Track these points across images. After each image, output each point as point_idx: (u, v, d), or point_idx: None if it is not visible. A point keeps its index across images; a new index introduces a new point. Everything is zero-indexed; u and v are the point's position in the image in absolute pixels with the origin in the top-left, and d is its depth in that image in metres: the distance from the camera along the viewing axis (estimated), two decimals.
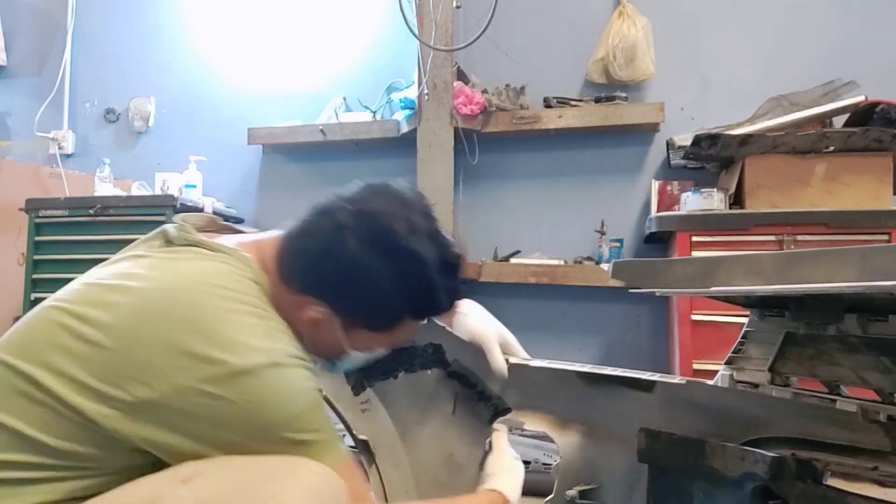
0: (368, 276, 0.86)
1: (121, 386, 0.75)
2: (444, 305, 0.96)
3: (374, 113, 3.07)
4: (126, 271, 0.85)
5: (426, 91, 2.73)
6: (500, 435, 1.13)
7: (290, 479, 0.75)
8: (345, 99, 3.14)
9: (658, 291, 0.90)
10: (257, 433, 0.78)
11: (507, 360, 1.17)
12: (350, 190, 0.92)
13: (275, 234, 0.96)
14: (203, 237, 0.91)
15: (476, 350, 1.18)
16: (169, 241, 0.90)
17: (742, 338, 1.02)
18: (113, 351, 0.76)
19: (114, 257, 0.94)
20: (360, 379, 1.25)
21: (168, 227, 0.92)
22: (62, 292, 0.86)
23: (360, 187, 0.92)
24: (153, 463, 0.78)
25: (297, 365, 0.82)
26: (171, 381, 0.75)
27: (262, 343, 0.79)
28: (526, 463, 1.16)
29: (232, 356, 0.76)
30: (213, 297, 0.80)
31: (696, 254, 2.20)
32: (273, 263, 0.90)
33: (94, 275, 0.89)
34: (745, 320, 1.04)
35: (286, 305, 0.89)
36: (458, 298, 0.99)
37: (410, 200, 0.91)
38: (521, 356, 1.21)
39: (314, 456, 0.79)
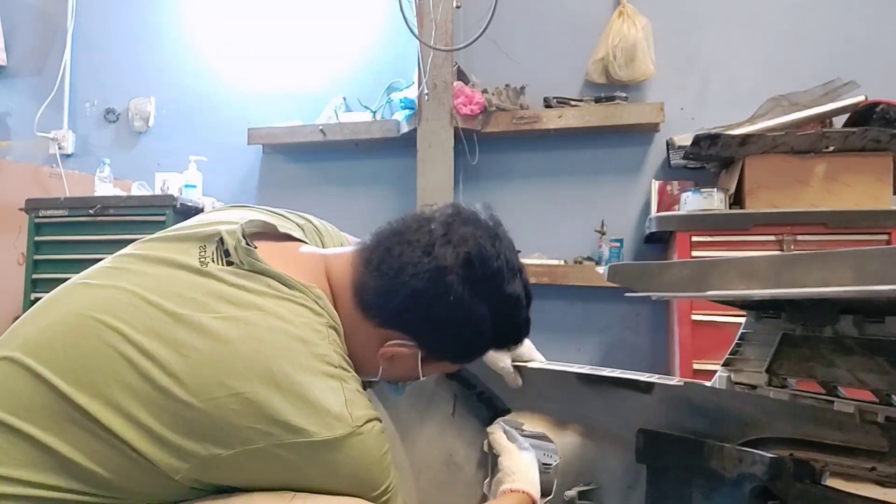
0: (471, 319, 0.85)
1: (195, 441, 0.72)
2: (524, 336, 0.98)
3: (374, 113, 3.07)
4: (191, 296, 0.78)
5: (426, 91, 2.73)
6: (497, 436, 1.12)
7: None
8: (345, 99, 3.14)
9: (654, 295, 0.90)
10: (328, 492, 0.78)
11: (513, 365, 1.17)
12: (435, 217, 0.88)
13: (344, 253, 0.91)
14: (267, 257, 0.84)
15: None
16: (227, 254, 0.83)
17: (739, 339, 1.02)
18: (189, 406, 0.72)
19: (149, 248, 0.87)
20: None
21: (225, 234, 0.85)
22: (110, 302, 0.78)
23: (446, 214, 0.89)
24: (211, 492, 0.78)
25: (372, 428, 0.79)
26: (251, 445, 0.72)
27: (344, 411, 0.76)
28: None
29: (316, 426, 0.73)
30: (298, 357, 0.76)
31: (696, 254, 2.20)
32: (348, 293, 0.87)
33: (145, 283, 0.80)
34: (743, 321, 1.04)
35: (362, 337, 0.87)
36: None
37: (500, 235, 0.90)
38: (537, 359, 1.20)
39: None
